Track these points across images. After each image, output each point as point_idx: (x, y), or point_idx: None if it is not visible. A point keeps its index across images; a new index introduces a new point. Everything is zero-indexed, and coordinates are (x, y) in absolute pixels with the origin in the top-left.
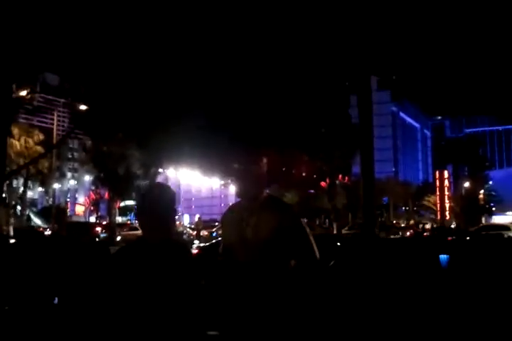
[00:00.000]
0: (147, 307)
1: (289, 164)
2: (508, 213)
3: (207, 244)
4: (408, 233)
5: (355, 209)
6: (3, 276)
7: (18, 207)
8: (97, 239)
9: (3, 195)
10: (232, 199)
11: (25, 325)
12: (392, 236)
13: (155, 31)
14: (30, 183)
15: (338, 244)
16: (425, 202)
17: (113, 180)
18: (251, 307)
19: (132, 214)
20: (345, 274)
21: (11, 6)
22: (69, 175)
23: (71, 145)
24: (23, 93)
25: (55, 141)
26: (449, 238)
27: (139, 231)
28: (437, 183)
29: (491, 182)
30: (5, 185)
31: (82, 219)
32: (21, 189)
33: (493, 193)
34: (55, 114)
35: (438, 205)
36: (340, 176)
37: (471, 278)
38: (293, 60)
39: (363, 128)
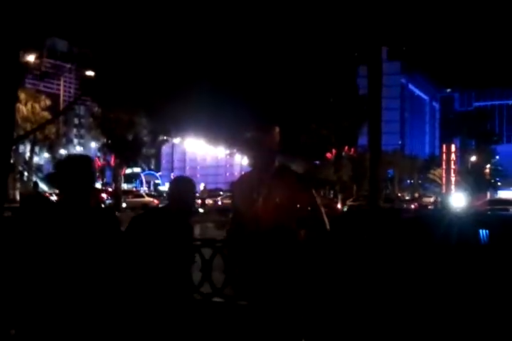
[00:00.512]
0: (164, 269)
1: (295, 134)
2: None
3: None
4: (412, 206)
5: (361, 181)
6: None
7: (25, 173)
8: (103, 206)
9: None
10: (237, 169)
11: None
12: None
13: None
14: (36, 149)
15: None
16: (431, 176)
17: (120, 147)
18: (263, 276)
19: (137, 181)
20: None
21: None
22: (75, 141)
23: (78, 112)
24: (31, 58)
25: (61, 106)
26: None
27: (144, 199)
28: (444, 157)
29: (497, 157)
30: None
31: None
32: (28, 154)
33: (500, 168)
34: (62, 80)
35: (444, 179)
36: (346, 148)
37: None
38: (303, 29)
39: (372, 99)
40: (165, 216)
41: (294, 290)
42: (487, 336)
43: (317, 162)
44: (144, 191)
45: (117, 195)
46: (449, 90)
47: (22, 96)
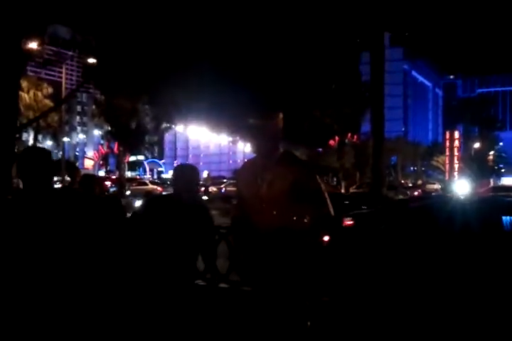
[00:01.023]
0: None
1: (298, 121)
2: None
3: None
4: (416, 193)
5: (364, 169)
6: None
7: None
8: (107, 193)
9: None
10: (240, 156)
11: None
12: (400, 197)
13: None
14: (39, 137)
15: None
16: (434, 162)
17: (123, 135)
18: (268, 262)
19: (141, 169)
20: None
21: None
22: (78, 129)
23: (80, 99)
24: (33, 45)
25: (64, 94)
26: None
27: (148, 186)
28: (447, 144)
29: (501, 144)
30: None
31: (92, 173)
32: (31, 142)
33: (503, 154)
34: (64, 67)
35: (447, 166)
36: (349, 135)
37: None
38: (306, 16)
39: (375, 85)
40: (170, 202)
41: (299, 274)
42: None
43: (320, 149)
44: (148, 179)
45: (121, 182)
46: (452, 77)
47: (24, 84)
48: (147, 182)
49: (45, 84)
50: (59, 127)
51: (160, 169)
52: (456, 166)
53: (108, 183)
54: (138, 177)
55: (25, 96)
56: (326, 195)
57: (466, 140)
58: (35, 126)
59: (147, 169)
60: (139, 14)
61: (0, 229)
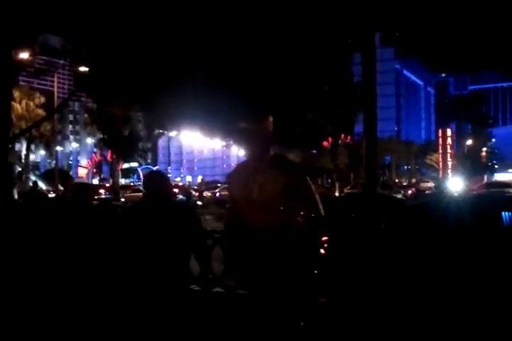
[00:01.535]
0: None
1: (291, 123)
2: (510, 170)
3: None
4: (410, 191)
5: (357, 169)
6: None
7: (22, 172)
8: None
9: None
10: (234, 160)
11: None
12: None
13: None
14: (32, 147)
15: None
16: (427, 161)
17: (116, 142)
18: (261, 264)
19: (135, 176)
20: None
21: None
22: (71, 137)
23: (72, 108)
24: (25, 55)
25: (56, 103)
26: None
27: (142, 193)
28: (440, 141)
29: (493, 140)
30: None
31: (86, 182)
32: (24, 152)
33: (496, 151)
34: (56, 76)
35: (440, 163)
36: (342, 136)
37: None
38: (296, 17)
39: (366, 85)
40: (145, 210)
41: (292, 275)
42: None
43: (314, 151)
44: (142, 185)
45: (115, 190)
46: (443, 75)
47: (16, 94)
48: (141, 189)
49: (37, 94)
50: (52, 136)
51: None
52: (450, 164)
53: (102, 191)
54: (132, 184)
55: (18, 107)
56: (317, 196)
57: (459, 137)
58: (27, 136)
59: (141, 176)
60: (130, 22)
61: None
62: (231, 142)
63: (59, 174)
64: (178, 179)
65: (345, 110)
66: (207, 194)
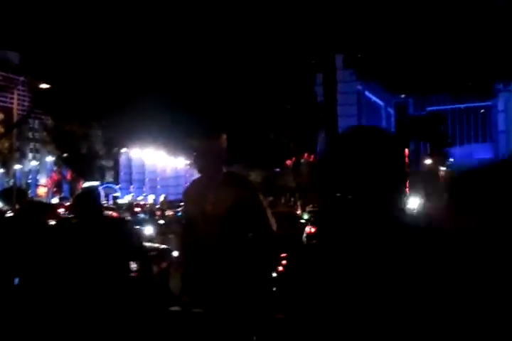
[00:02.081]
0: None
1: (255, 142)
2: None
3: None
4: None
5: None
6: None
7: None
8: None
9: None
10: None
11: None
12: None
13: (114, 8)
14: None
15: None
16: None
17: (76, 160)
18: (215, 280)
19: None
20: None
21: None
22: (30, 155)
23: (32, 125)
24: None
25: (15, 120)
26: None
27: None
28: None
29: (451, 159)
30: None
31: (45, 201)
32: None
33: (453, 170)
34: (15, 93)
35: None
36: (306, 154)
37: None
38: (259, 37)
39: (328, 106)
40: (69, 228)
41: (244, 291)
42: None
43: (278, 169)
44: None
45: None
46: (403, 96)
47: None
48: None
49: None
50: (9, 154)
51: (116, 194)
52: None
53: (61, 210)
54: None
55: None
56: (269, 211)
57: (417, 157)
58: None
59: (102, 194)
60: (88, 39)
61: None
62: (193, 160)
63: (16, 193)
64: (141, 198)
65: (307, 129)
66: (169, 213)
